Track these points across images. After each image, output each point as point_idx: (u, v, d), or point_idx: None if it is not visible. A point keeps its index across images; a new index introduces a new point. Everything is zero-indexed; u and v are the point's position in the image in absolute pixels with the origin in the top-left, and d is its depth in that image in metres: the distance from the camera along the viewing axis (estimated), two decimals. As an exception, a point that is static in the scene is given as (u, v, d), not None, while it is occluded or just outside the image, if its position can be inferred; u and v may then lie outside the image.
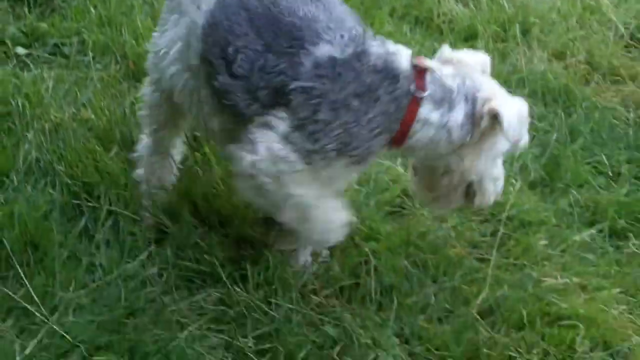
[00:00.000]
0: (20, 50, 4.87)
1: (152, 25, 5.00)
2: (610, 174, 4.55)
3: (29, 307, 3.57)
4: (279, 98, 3.46)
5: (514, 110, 3.66)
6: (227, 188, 4.13)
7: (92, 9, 5.12)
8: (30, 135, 4.29)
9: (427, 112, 3.54)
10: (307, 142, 3.42)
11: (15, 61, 4.80)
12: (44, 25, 5.01)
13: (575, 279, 4.00)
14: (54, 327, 3.49)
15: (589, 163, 4.60)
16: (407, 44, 4.88)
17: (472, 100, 3.62)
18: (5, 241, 3.76)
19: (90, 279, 3.73)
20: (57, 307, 3.58)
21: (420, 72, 3.57)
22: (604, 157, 4.61)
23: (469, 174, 3.85)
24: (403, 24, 5.36)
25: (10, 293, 3.61)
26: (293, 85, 3.43)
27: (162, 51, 3.82)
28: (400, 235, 4.06)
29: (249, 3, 3.58)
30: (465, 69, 3.70)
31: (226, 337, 3.60)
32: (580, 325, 3.79)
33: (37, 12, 5.14)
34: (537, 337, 3.75)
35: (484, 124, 3.61)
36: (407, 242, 4.04)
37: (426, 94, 3.54)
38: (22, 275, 3.67)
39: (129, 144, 4.33)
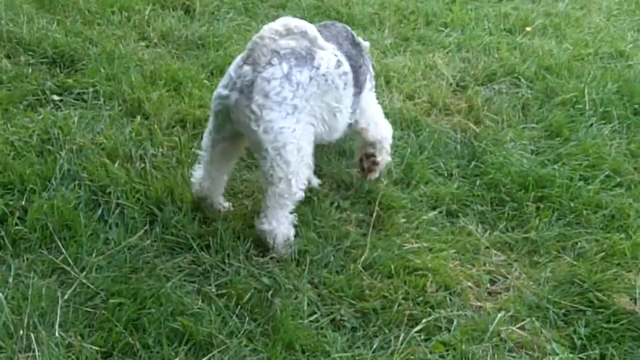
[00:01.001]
0: (55, 97, 4.84)
1: (142, 81, 5.03)
2: (446, 175, 4.55)
3: (66, 267, 3.60)
4: None
5: None
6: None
7: (102, 69, 5.09)
8: (63, 154, 4.27)
9: None
10: None
11: (52, 105, 4.77)
12: (70, 81, 4.99)
13: (424, 244, 4.01)
14: (83, 280, 3.52)
15: (432, 167, 4.59)
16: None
17: None
18: (49, 224, 3.78)
19: (106, 249, 3.74)
20: (85, 267, 3.61)
21: None
22: (441, 163, 4.62)
23: None
24: None
25: (53, 259, 3.64)
26: None
27: None
28: (308, 214, 4.08)
29: None
30: None
31: (197, 286, 3.62)
32: (429, 275, 3.80)
33: (65, 71, 5.12)
34: (401, 283, 3.75)
35: None
36: (313, 218, 4.05)
37: None
38: (61, 246, 3.69)
39: (128, 158, 4.34)
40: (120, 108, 4.81)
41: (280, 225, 3.81)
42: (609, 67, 5.81)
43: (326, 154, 4.59)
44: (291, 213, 3.86)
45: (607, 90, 5.41)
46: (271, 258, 3.82)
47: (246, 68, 3.57)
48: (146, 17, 5.84)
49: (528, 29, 6.32)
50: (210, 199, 4.04)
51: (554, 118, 5.07)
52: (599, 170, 4.64)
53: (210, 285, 3.65)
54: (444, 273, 3.85)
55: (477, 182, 4.45)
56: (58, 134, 4.43)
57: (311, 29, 3.65)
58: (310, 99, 3.69)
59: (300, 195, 3.83)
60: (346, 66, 3.84)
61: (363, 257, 3.87)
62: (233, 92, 3.61)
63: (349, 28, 4.14)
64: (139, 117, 4.69)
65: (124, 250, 3.76)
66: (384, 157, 4.33)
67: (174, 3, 6.11)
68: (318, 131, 3.85)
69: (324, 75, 3.71)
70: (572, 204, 4.35)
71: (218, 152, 3.91)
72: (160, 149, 4.44)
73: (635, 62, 5.93)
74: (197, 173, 4.03)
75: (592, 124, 5.07)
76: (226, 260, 3.78)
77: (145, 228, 3.91)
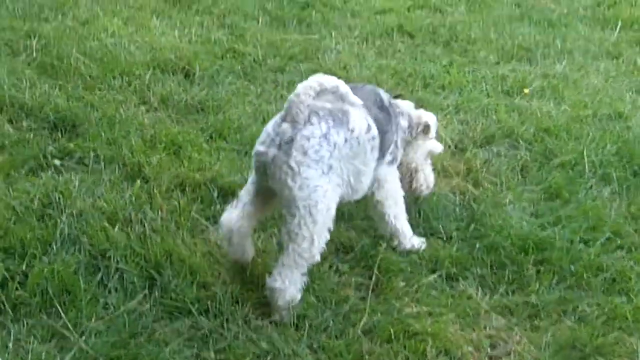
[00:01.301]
0: (57, 162, 4.89)
1: (142, 145, 5.09)
2: (445, 238, 4.55)
3: (65, 332, 3.61)
4: None
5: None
6: (193, 247, 4.23)
7: (102, 134, 5.15)
8: (63, 218, 4.30)
9: None
10: None
11: (53, 169, 4.82)
12: (71, 145, 5.04)
13: (424, 308, 4.00)
14: (82, 345, 3.54)
15: (431, 231, 4.61)
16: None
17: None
18: (49, 288, 3.80)
19: (106, 313, 3.76)
20: (84, 332, 3.63)
21: None
22: (440, 226, 4.63)
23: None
24: None
25: (53, 323, 3.66)
26: None
27: None
28: (307, 279, 4.00)
29: None
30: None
31: (196, 351, 3.63)
32: (429, 339, 3.79)
33: (67, 136, 5.18)
34: (401, 348, 3.75)
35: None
36: (313, 283, 4.05)
37: None
38: (61, 311, 3.71)
39: (128, 222, 4.37)
40: (120, 172, 4.85)
41: (292, 286, 3.83)
42: (607, 129, 5.85)
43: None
44: (303, 275, 3.88)
45: (606, 151, 5.45)
46: (270, 322, 3.83)
47: (285, 125, 3.69)
48: (146, 82, 5.93)
49: (526, 90, 6.39)
50: (236, 239, 4.04)
51: (553, 180, 5.10)
52: (599, 233, 4.64)
53: (209, 350, 3.65)
54: (444, 338, 3.84)
55: (477, 245, 4.46)
56: (59, 198, 4.47)
57: (342, 85, 3.79)
58: (342, 160, 3.81)
59: (318, 258, 3.87)
60: (374, 130, 3.97)
61: (362, 322, 3.87)
62: (271, 149, 3.70)
63: (379, 90, 4.26)
64: (138, 181, 4.73)
65: (123, 315, 3.77)
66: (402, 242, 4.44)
67: (174, 67, 6.21)
68: (342, 192, 3.94)
69: (357, 138, 3.84)
70: (572, 267, 4.35)
71: (259, 197, 3.99)
72: (160, 213, 4.47)
73: (634, 124, 5.98)
74: (229, 212, 4.05)
75: (591, 186, 5.10)
76: (225, 325, 3.79)
77: (144, 292, 3.93)
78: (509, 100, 6.25)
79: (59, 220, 4.29)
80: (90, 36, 6.56)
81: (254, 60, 6.48)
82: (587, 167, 5.28)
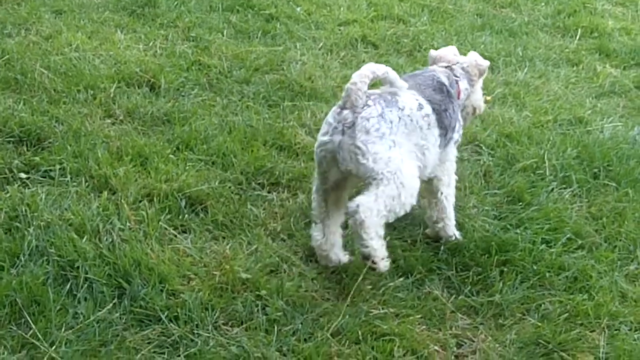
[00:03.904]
0: (23, 175, 4.92)
1: (109, 157, 5.13)
2: (409, 241, 4.65)
3: (35, 342, 3.67)
4: None
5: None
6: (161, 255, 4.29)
7: (68, 147, 5.18)
8: (31, 230, 4.35)
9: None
10: None
11: (19, 182, 4.85)
12: (37, 158, 5.07)
13: (391, 310, 4.11)
14: (53, 355, 3.59)
15: (396, 235, 4.69)
16: (275, 164, 5.12)
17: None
18: (18, 299, 3.85)
19: (75, 323, 3.82)
20: (54, 342, 3.68)
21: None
22: (406, 230, 4.73)
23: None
24: (273, 150, 5.42)
25: (23, 334, 3.71)
26: None
27: None
28: (276, 284, 4.19)
29: None
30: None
31: (166, 357, 3.71)
32: (397, 340, 3.90)
33: (32, 149, 5.20)
34: (369, 349, 3.85)
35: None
36: (282, 288, 4.15)
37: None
38: (30, 321, 3.76)
39: (96, 232, 4.42)
40: (87, 184, 4.89)
41: (377, 213, 4.03)
42: (568, 133, 5.99)
43: (296, 225, 4.70)
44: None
45: (567, 155, 5.58)
46: (240, 327, 3.92)
47: (345, 112, 4.06)
48: (112, 95, 5.96)
49: (488, 98, 6.48)
50: (332, 254, 4.35)
51: (515, 184, 5.21)
52: (560, 234, 4.77)
53: (179, 356, 3.72)
54: (411, 338, 3.94)
55: (442, 248, 4.57)
56: (26, 211, 4.51)
57: (391, 71, 4.21)
58: (402, 136, 4.13)
59: (408, 209, 4.18)
60: (427, 108, 4.30)
61: (331, 324, 3.96)
62: (335, 136, 4.07)
63: (438, 75, 4.59)
64: (106, 193, 4.78)
65: (93, 324, 3.83)
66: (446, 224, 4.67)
67: (139, 80, 6.25)
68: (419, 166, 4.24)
69: (408, 115, 4.17)
70: (535, 267, 4.47)
71: (332, 206, 4.31)
72: (128, 223, 4.53)
73: (594, 128, 6.13)
74: (317, 233, 4.33)
75: (552, 189, 5.22)
76: (195, 331, 3.87)
77: (113, 301, 3.99)
78: (472, 107, 6.35)
79: (26, 233, 4.33)
80: (54, 51, 6.57)
81: (219, 72, 6.54)
82: (548, 170, 5.41)
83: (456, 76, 4.71)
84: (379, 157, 4.00)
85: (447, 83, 4.57)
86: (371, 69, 4.09)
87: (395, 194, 4.02)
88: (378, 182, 4.00)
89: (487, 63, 4.90)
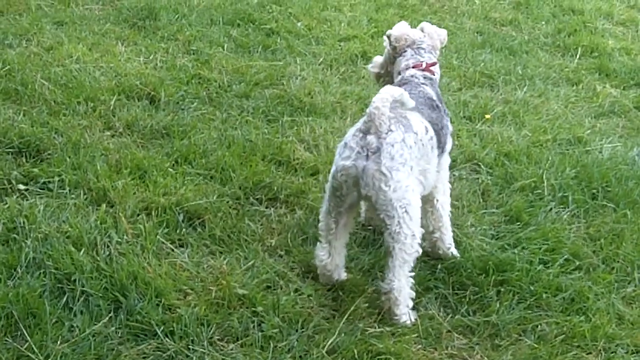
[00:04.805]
0: (21, 186, 4.94)
1: (107, 169, 5.15)
2: None
3: (31, 355, 3.67)
4: None
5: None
6: (158, 269, 4.29)
7: (67, 159, 5.20)
8: (28, 242, 4.36)
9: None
10: None
11: (18, 194, 4.86)
12: (36, 170, 5.08)
13: (387, 328, 4.11)
14: (48, 368, 3.61)
15: None
16: (274, 179, 5.12)
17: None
18: (14, 312, 3.86)
19: (71, 336, 3.82)
20: (49, 355, 3.69)
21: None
22: None
23: None
24: (271, 165, 5.43)
25: (18, 347, 3.71)
26: None
27: None
28: (273, 300, 4.19)
29: None
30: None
31: None
32: (392, 359, 3.91)
33: (31, 161, 5.22)
34: None
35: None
36: (278, 305, 4.17)
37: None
38: (26, 334, 3.77)
39: (93, 245, 4.43)
40: (85, 197, 4.91)
41: (406, 285, 4.17)
42: (567, 153, 6.00)
43: (293, 241, 4.71)
44: (410, 273, 4.20)
45: (566, 175, 5.59)
46: (235, 343, 3.91)
47: (370, 137, 4.06)
48: (112, 107, 5.98)
49: (487, 116, 6.52)
50: (335, 274, 4.38)
51: (513, 203, 5.22)
52: (558, 254, 4.78)
53: (175, 371, 3.70)
54: (407, 357, 3.94)
55: (439, 266, 4.58)
56: (24, 222, 4.52)
57: (405, 92, 4.20)
58: (415, 160, 4.19)
59: (420, 251, 4.23)
60: (431, 131, 4.35)
61: (327, 342, 3.96)
62: (359, 161, 4.07)
63: (426, 91, 4.55)
64: (104, 206, 4.79)
65: (88, 338, 3.83)
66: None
67: (139, 93, 6.27)
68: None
69: (421, 140, 4.25)
70: (532, 288, 4.47)
71: (341, 228, 4.32)
72: (125, 237, 4.54)
73: (593, 148, 6.14)
74: (322, 253, 4.34)
75: (551, 209, 5.23)
76: (190, 347, 3.87)
77: (110, 315, 4.00)
78: (471, 125, 6.38)
79: (23, 245, 4.34)
80: (54, 62, 6.60)
81: (219, 86, 6.56)
82: (546, 190, 5.42)
83: (432, 74, 4.71)
84: (399, 185, 4.04)
85: (435, 97, 4.56)
86: (390, 93, 4.09)
87: (409, 239, 4.13)
88: (392, 229, 4.10)
89: (445, 32, 4.93)
